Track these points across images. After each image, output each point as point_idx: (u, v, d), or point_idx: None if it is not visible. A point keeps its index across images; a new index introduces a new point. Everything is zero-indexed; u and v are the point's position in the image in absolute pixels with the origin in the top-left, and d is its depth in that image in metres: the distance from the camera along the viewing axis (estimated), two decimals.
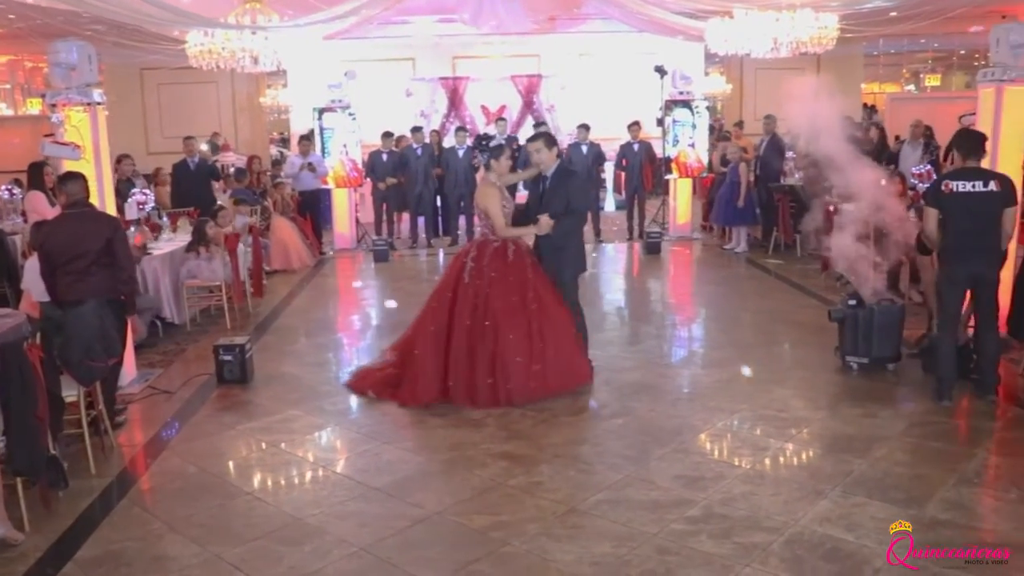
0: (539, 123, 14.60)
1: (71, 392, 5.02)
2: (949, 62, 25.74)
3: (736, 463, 4.99)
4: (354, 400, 6.39)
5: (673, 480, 4.76)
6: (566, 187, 6.27)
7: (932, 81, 25.38)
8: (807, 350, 7.16)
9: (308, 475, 5.06)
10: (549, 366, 6.01)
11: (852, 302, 6.52)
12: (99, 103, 6.40)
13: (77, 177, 5.79)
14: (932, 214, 5.77)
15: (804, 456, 5.12)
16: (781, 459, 5.05)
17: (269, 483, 4.95)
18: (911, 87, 26.19)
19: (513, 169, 6.68)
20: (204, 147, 11.92)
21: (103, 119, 6.52)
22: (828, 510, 4.35)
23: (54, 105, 6.23)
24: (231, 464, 5.26)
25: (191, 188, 11.26)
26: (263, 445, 5.51)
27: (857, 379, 6.39)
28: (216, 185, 11.96)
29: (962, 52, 24.66)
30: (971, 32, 19.08)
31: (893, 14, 14.24)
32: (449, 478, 4.90)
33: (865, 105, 21.74)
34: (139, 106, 19.37)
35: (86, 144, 6.27)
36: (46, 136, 6.34)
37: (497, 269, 6.12)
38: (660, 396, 6.19)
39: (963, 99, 19.97)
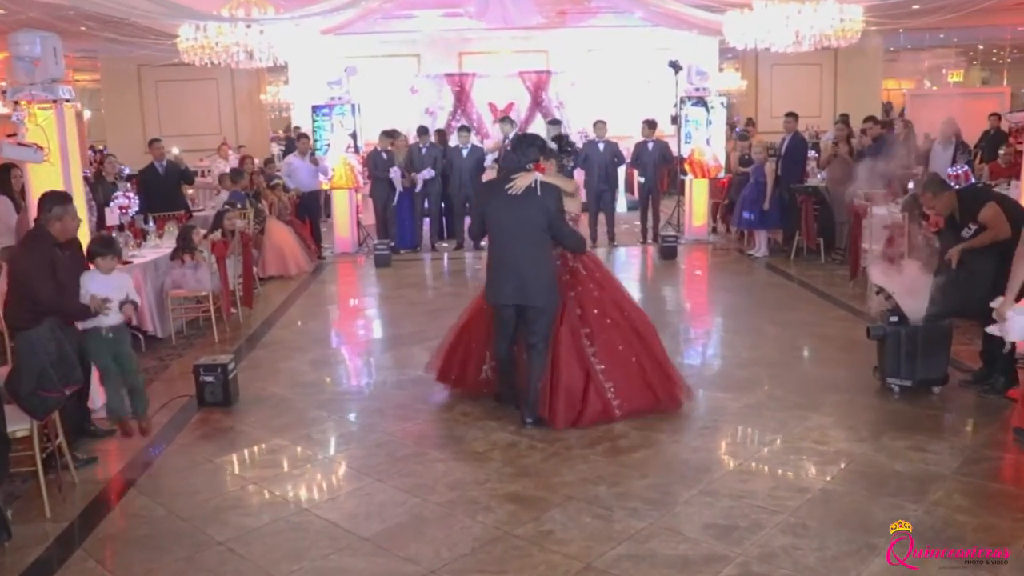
0: (552, 121, 14.00)
1: (22, 426, 4.47)
2: (968, 57, 25.01)
3: (774, 508, 4.38)
4: (347, 428, 5.83)
5: (703, 530, 4.17)
6: None
7: (955, 77, 24.57)
8: (840, 369, 6.56)
9: (289, 520, 4.46)
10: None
11: (894, 318, 5.92)
12: (67, 100, 5.84)
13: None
14: None
15: (850, 500, 4.49)
16: (824, 503, 4.44)
17: (245, 530, 4.36)
18: (927, 82, 25.47)
19: (560, 170, 6.05)
20: (175, 151, 11.35)
21: (71, 117, 5.94)
22: (884, 569, 3.76)
23: (16, 102, 5.68)
24: (204, 506, 4.66)
25: (160, 193, 10.64)
26: (241, 482, 4.95)
27: (900, 404, 5.78)
28: (188, 188, 11.45)
29: (980, 47, 23.92)
30: (993, 26, 18.38)
31: (916, 7, 13.63)
32: (448, 526, 4.31)
33: (883, 102, 21.09)
34: (136, 104, 18.87)
35: (52, 145, 5.71)
36: (8, 136, 5.78)
37: None
38: (683, 424, 5.59)
39: (987, 95, 19.33)
